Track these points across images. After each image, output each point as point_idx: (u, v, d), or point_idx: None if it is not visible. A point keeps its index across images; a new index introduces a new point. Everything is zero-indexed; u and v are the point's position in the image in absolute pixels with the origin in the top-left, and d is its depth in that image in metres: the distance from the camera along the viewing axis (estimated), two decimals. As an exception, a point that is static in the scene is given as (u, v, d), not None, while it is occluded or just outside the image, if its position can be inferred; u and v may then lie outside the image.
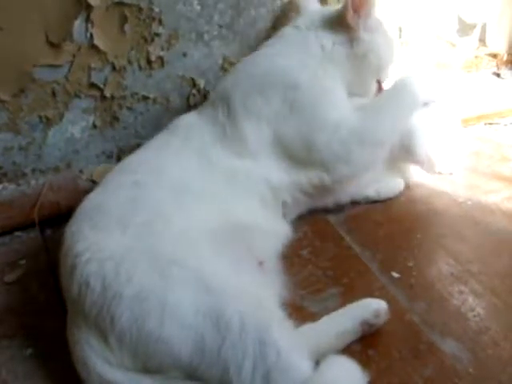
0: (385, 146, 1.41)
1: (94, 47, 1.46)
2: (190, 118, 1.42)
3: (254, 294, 1.04)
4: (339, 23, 1.44)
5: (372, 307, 1.14)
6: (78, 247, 1.07)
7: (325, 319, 1.13)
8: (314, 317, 1.16)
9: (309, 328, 1.09)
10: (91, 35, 1.44)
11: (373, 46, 1.46)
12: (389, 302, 1.17)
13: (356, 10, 1.41)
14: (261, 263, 1.21)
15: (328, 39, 1.44)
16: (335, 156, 1.35)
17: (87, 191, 1.26)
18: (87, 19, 1.42)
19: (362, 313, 1.13)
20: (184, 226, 1.13)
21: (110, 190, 1.23)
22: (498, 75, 2.06)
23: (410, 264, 1.31)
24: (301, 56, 1.42)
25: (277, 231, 1.34)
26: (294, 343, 0.97)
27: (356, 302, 1.15)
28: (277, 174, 1.34)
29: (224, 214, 1.22)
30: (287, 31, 1.50)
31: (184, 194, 1.21)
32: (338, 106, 1.40)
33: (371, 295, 1.21)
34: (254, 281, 1.11)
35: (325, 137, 1.34)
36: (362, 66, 1.47)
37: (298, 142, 1.35)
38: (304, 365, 0.95)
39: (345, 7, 1.41)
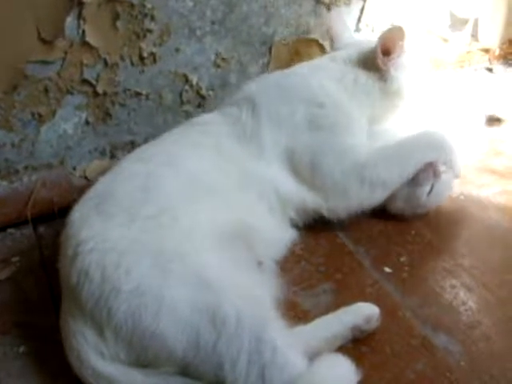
0: (386, 189, 1.36)
1: (86, 44, 1.45)
2: (209, 116, 1.43)
3: (252, 292, 1.05)
4: (372, 63, 1.44)
5: (364, 313, 1.12)
6: (82, 235, 1.07)
7: (316, 322, 1.12)
8: (306, 313, 1.17)
9: (299, 330, 1.07)
10: (83, 31, 1.43)
11: (406, 82, 1.47)
12: (381, 297, 1.18)
13: (386, 54, 1.43)
14: (260, 263, 1.21)
15: (362, 75, 1.45)
16: (334, 185, 1.34)
17: (80, 188, 1.26)
18: (79, 16, 1.41)
19: (354, 318, 1.11)
20: (190, 223, 1.13)
21: (122, 179, 1.23)
22: (491, 70, 2.07)
23: (403, 259, 1.32)
24: (333, 82, 1.44)
25: (281, 236, 1.34)
26: (289, 341, 0.98)
27: (348, 307, 1.14)
28: (285, 186, 1.34)
29: (231, 213, 1.22)
30: (324, 62, 1.52)
31: (195, 189, 1.21)
32: (354, 136, 1.39)
33: (364, 291, 1.23)
34: (252, 280, 1.11)
35: (330, 162, 1.34)
36: (395, 98, 1.48)
37: (306, 160, 1.35)
38: (299, 362, 0.96)
39: (375, 51, 1.43)
